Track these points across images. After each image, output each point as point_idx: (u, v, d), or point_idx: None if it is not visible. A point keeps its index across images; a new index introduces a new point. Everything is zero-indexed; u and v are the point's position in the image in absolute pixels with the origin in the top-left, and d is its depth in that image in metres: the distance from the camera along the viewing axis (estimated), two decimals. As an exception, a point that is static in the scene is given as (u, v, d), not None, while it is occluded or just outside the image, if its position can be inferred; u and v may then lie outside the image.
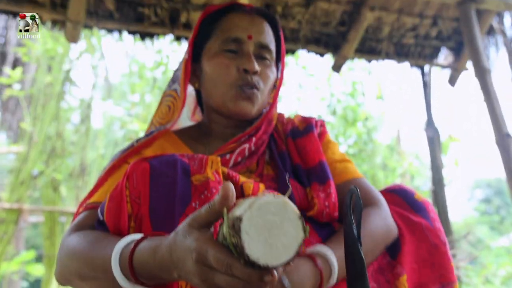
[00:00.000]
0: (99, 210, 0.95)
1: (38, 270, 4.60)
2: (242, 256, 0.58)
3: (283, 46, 1.30)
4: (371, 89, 5.80)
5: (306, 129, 1.24)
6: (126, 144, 1.42)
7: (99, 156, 4.67)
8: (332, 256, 0.89)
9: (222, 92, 1.17)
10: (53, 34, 4.39)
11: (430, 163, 3.96)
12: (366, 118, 5.11)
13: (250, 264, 0.58)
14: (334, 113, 5.55)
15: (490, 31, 3.65)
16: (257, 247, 0.57)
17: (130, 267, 0.76)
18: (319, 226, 1.06)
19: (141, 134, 4.33)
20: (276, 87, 1.29)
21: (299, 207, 1.08)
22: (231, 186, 0.65)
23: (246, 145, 1.16)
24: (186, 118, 1.41)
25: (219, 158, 0.97)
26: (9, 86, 4.64)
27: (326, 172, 1.13)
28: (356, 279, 0.66)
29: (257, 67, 1.15)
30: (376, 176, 5.34)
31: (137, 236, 0.81)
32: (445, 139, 4.71)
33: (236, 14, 1.23)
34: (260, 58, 1.20)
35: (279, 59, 1.31)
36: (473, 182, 18.47)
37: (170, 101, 1.27)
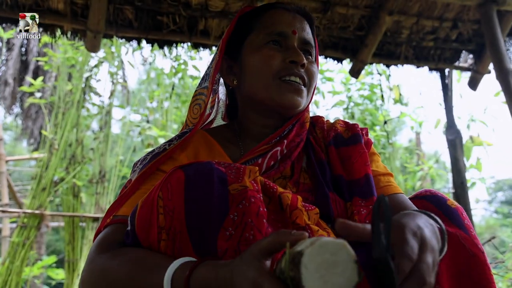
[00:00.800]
0: (129, 220, 0.91)
1: (59, 275, 4.66)
2: None
3: (317, 48, 1.28)
4: (390, 92, 5.74)
5: (352, 139, 1.19)
6: (144, 151, 1.37)
7: (118, 162, 4.72)
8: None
9: (267, 84, 1.13)
10: (73, 43, 4.46)
11: (451, 165, 3.89)
12: (385, 122, 5.05)
13: None
14: (352, 117, 5.51)
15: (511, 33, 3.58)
16: (313, 282, 0.60)
17: None
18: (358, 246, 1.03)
19: (160, 140, 4.35)
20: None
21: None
22: (306, 235, 0.67)
23: (278, 148, 1.12)
24: (220, 119, 1.39)
25: (257, 168, 0.93)
26: (31, 94, 4.73)
27: (371, 187, 1.09)
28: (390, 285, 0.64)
29: (304, 59, 1.13)
30: (396, 180, 5.26)
31: (187, 259, 0.79)
32: (467, 142, 4.63)
33: (278, 11, 1.21)
34: (305, 52, 1.18)
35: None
36: (494, 184, 18.12)
37: (201, 100, 1.23)
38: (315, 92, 1.27)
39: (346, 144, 1.17)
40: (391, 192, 1.13)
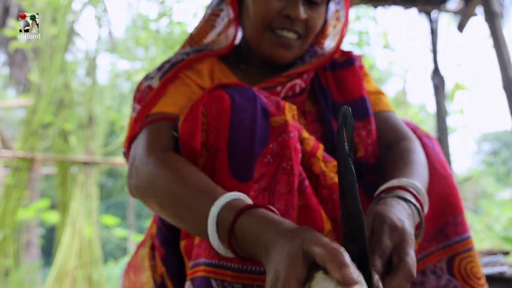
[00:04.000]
0: (173, 129, 0.92)
1: (52, 217, 4.78)
2: None
3: None
4: (378, 38, 5.71)
5: (347, 62, 1.18)
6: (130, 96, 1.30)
7: (106, 108, 4.72)
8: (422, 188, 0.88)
9: (258, 32, 1.10)
10: (55, -15, 4.34)
11: (435, 111, 3.97)
12: (370, 67, 5.06)
13: None
14: (340, 62, 5.49)
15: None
16: None
17: (229, 238, 0.72)
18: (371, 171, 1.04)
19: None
20: (337, 28, 1.21)
21: None
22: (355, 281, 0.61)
23: (298, 81, 1.11)
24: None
25: (295, 106, 0.94)
26: (15, 38, 4.64)
27: (367, 107, 1.09)
28: (347, 193, 0.69)
29: (302, 14, 1.06)
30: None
31: (233, 197, 0.75)
32: (452, 87, 4.69)
33: None
34: (309, 1, 1.08)
35: None
36: (481, 136, 18.39)
37: (216, 21, 1.18)
38: (346, 28, 1.20)
39: (341, 67, 1.18)
40: (380, 109, 1.14)
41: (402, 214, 0.78)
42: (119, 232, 6.39)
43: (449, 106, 4.59)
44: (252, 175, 0.83)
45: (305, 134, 0.95)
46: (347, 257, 0.60)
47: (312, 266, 0.63)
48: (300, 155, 0.88)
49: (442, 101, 3.94)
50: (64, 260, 3.90)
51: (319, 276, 0.61)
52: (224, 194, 0.75)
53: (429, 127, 6.79)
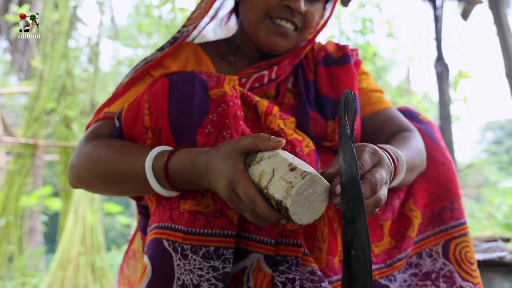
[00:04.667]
0: (115, 118, 0.98)
1: (55, 204, 4.81)
2: (285, 215, 0.72)
3: None
4: (382, 26, 5.67)
5: (342, 59, 1.20)
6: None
7: (109, 95, 4.72)
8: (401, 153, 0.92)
9: (256, 20, 1.11)
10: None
11: (438, 98, 3.95)
12: (374, 54, 5.03)
13: (285, 216, 0.72)
14: (343, 50, 5.46)
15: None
16: (300, 213, 0.71)
17: (165, 173, 0.83)
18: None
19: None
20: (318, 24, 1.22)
21: (315, 137, 1.10)
22: (283, 142, 0.76)
23: (266, 72, 1.13)
24: (219, 28, 1.35)
25: (236, 77, 0.97)
26: (17, 24, 4.63)
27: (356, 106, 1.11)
28: (350, 179, 0.70)
29: (303, 6, 1.08)
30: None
31: (166, 148, 0.87)
32: (455, 75, 4.66)
33: None
34: None
35: None
36: (484, 125, 18.34)
37: (204, 3, 1.19)
38: (325, 25, 1.24)
39: (336, 63, 1.19)
40: (382, 107, 1.17)
41: (382, 154, 0.82)
42: (122, 220, 6.43)
43: (453, 94, 4.56)
44: (195, 147, 0.87)
45: (257, 98, 0.99)
46: (266, 134, 0.76)
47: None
48: (241, 122, 0.91)
49: (445, 89, 3.92)
50: (67, 247, 3.93)
51: (259, 154, 0.76)
52: (155, 148, 0.87)
53: (432, 115, 6.77)
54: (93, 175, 0.94)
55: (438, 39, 3.96)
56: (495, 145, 16.81)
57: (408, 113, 1.20)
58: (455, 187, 1.08)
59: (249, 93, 1.00)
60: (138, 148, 0.91)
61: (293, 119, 1.03)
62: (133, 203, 7.12)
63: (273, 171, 0.72)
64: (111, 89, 4.89)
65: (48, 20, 4.21)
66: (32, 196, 4.50)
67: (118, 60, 5.87)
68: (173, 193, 0.86)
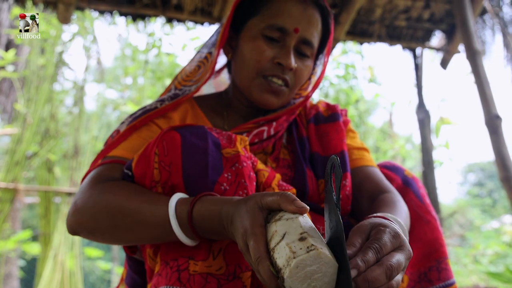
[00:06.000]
0: (125, 168, 0.94)
1: (34, 249, 4.66)
2: (281, 285, 0.66)
3: (331, 39, 1.23)
4: (364, 72, 5.82)
5: (331, 117, 1.21)
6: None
7: (93, 138, 4.69)
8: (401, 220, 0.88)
9: (249, 77, 1.12)
10: (45, 16, 4.36)
11: (420, 145, 4.01)
12: (357, 101, 5.13)
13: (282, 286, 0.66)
14: (326, 96, 5.58)
15: (483, 13, 3.67)
16: (296, 282, 0.64)
17: (190, 221, 0.79)
18: None
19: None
20: (311, 80, 1.24)
21: (311, 199, 1.09)
22: (307, 208, 0.72)
23: (265, 128, 1.13)
24: (208, 84, 1.36)
25: (247, 138, 0.97)
26: (3, 68, 4.63)
27: (345, 163, 1.11)
28: (336, 243, 0.69)
29: (293, 63, 1.10)
30: (368, 159, 5.35)
31: (184, 195, 0.84)
32: (437, 122, 4.76)
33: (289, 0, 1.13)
34: (300, 54, 1.13)
35: (323, 50, 1.24)
36: (466, 167, 18.60)
37: (202, 62, 1.21)
38: (320, 82, 1.25)
39: (325, 121, 1.20)
40: (363, 164, 1.16)
41: (403, 238, 0.75)
42: (103, 265, 6.25)
43: (435, 140, 4.65)
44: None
45: (260, 165, 0.98)
46: (293, 195, 0.73)
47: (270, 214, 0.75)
48: (254, 184, 0.90)
49: (427, 135, 3.98)
50: (44, 294, 3.78)
51: (277, 215, 0.72)
52: (173, 195, 0.83)
53: (415, 159, 6.85)
54: (101, 218, 0.88)
55: (419, 87, 4.06)
56: (477, 187, 16.99)
57: (394, 169, 1.21)
58: (442, 246, 1.07)
59: (254, 158, 0.98)
60: (155, 193, 0.87)
61: (294, 191, 1.01)
62: (114, 248, 6.93)
63: (284, 234, 0.68)
64: (95, 132, 4.87)
65: (33, 64, 4.22)
66: (9, 241, 4.36)
67: (103, 102, 5.87)
68: (194, 242, 0.82)
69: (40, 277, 4.00)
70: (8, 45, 5.56)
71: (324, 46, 1.23)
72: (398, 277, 0.69)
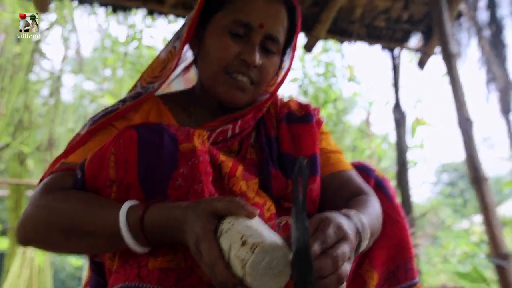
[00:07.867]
0: (78, 168, 0.92)
1: (2, 244, 4.55)
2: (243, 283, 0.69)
3: (297, 35, 1.21)
4: (343, 71, 5.88)
5: (304, 117, 1.20)
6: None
7: (68, 130, 4.61)
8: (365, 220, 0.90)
9: (214, 74, 1.10)
10: (22, 3, 4.26)
11: (396, 145, 4.08)
12: (335, 99, 5.18)
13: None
14: (305, 93, 5.61)
15: (459, 17, 3.75)
16: (267, 281, 0.68)
17: (141, 229, 0.80)
18: None
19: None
20: (279, 76, 1.23)
21: (276, 197, 1.10)
22: (257, 212, 0.75)
23: (230, 126, 1.12)
24: (178, 81, 1.33)
25: (205, 132, 0.96)
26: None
27: (316, 166, 1.12)
28: (300, 243, 0.70)
29: (258, 60, 1.08)
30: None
31: (134, 202, 0.83)
32: (412, 122, 4.84)
33: None
34: (265, 50, 1.11)
35: (289, 46, 1.22)
36: (440, 167, 18.98)
37: (167, 56, 1.19)
38: (286, 77, 1.24)
39: (298, 121, 1.19)
40: (340, 169, 1.17)
41: (349, 226, 0.80)
42: (74, 261, 6.15)
43: (410, 140, 4.73)
44: (165, 200, 0.85)
45: (222, 157, 0.99)
46: (243, 201, 0.75)
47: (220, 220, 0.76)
48: (210, 178, 0.90)
49: (402, 135, 4.05)
50: (11, 290, 3.70)
51: (227, 219, 0.74)
52: (125, 202, 0.83)
53: (391, 158, 6.96)
54: (53, 229, 0.88)
55: (396, 87, 4.13)
56: (450, 187, 17.36)
57: (364, 169, 1.22)
58: (409, 246, 1.10)
59: (214, 152, 0.99)
60: (105, 201, 0.87)
61: (256, 180, 1.02)
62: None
63: (230, 247, 0.70)
64: (71, 124, 4.78)
65: (8, 52, 4.12)
66: (-24, 235, 4.26)
67: (81, 93, 5.78)
68: (146, 249, 0.83)
69: (7, 273, 3.91)
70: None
71: (291, 41, 1.21)
72: (346, 266, 0.74)
